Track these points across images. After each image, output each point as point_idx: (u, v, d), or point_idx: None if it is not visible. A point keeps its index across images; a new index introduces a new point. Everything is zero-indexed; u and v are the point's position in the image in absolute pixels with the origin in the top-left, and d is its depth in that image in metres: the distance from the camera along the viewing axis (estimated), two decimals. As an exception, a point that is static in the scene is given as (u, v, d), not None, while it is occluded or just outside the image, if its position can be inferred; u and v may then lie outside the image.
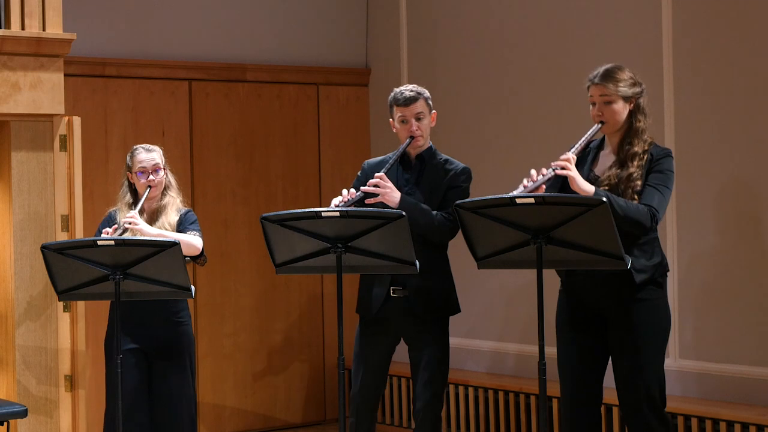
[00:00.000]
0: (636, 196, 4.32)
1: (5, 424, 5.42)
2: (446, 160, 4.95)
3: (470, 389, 6.78)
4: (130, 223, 4.98)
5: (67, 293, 4.85)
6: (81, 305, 5.69)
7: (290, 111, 7.61)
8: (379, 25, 7.80)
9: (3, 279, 5.69)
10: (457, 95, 7.25)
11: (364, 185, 4.80)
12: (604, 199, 3.94)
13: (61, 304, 5.63)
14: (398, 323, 4.92)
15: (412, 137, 4.85)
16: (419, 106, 4.86)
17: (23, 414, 5.36)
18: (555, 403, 6.20)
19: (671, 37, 6.03)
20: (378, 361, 4.97)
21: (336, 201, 4.70)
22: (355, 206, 4.63)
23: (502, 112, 6.96)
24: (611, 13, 6.37)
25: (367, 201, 4.71)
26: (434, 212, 4.80)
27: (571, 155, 4.31)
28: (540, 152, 6.69)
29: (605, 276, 4.37)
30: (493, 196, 4.06)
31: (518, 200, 3.99)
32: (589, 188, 4.26)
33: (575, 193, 4.27)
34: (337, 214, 4.35)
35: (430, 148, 4.97)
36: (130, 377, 5.09)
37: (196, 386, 6.90)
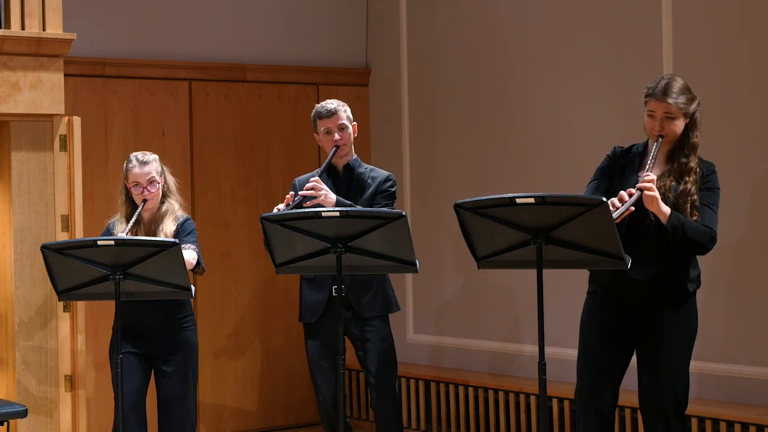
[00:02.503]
0: (696, 212, 4.40)
1: (5, 424, 5.42)
2: (371, 169, 5.31)
3: (470, 389, 6.79)
4: None
5: (67, 293, 4.85)
6: (81, 305, 5.69)
7: (290, 111, 7.60)
8: (379, 25, 7.80)
9: (3, 279, 5.69)
10: (457, 95, 7.25)
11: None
12: (604, 199, 3.95)
13: (61, 304, 5.63)
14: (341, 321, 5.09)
15: (337, 147, 5.18)
16: (341, 118, 5.23)
17: (23, 414, 5.36)
18: (555, 403, 6.20)
19: (671, 49, 6.02)
20: (333, 365, 5.19)
21: (280, 206, 4.97)
22: (294, 209, 4.93)
23: (503, 111, 6.96)
24: (613, 16, 6.36)
25: (305, 204, 4.97)
26: None
27: (653, 175, 4.35)
28: (541, 152, 6.69)
29: (653, 281, 4.44)
30: (493, 196, 4.06)
31: (518, 200, 4.00)
32: (666, 210, 4.34)
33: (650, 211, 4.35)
34: (337, 214, 4.37)
35: (355, 158, 5.32)
36: (131, 379, 5.09)
37: (197, 386, 6.91)
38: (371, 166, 5.34)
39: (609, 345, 4.54)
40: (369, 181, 5.24)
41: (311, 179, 5.04)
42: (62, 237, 5.63)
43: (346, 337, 5.27)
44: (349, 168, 5.27)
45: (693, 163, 4.45)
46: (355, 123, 5.30)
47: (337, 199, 5.02)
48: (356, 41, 7.88)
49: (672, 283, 4.45)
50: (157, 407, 5.18)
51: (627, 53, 6.24)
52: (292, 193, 5.03)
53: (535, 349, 4.19)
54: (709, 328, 5.89)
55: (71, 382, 5.68)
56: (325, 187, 5.03)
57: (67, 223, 5.67)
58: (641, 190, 4.29)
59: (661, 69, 6.04)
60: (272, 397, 7.50)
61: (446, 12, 7.32)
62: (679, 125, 4.46)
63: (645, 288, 4.47)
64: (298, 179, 5.36)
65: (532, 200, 3.99)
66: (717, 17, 5.87)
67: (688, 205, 4.40)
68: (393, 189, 5.25)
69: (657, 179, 4.46)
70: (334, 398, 5.22)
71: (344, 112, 5.23)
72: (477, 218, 4.10)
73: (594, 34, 6.44)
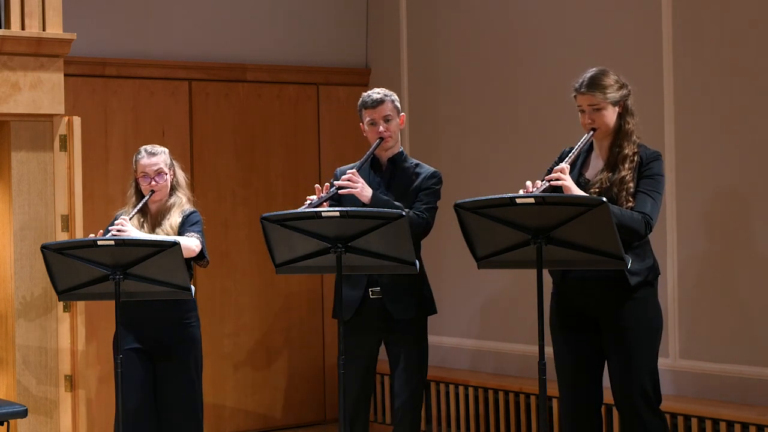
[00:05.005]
0: (630, 198, 4.35)
1: (5, 424, 5.42)
2: (417, 164, 5.06)
3: (470, 389, 6.79)
4: (118, 230, 4.95)
5: (67, 293, 4.85)
6: (81, 305, 5.69)
7: (290, 111, 7.61)
8: (379, 25, 7.81)
9: (3, 279, 5.69)
10: (457, 95, 7.25)
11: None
12: (604, 199, 3.94)
13: (61, 304, 5.63)
14: (376, 325, 4.96)
15: (381, 139, 4.97)
16: (387, 109, 4.98)
17: (23, 414, 5.36)
18: (555, 403, 6.19)
19: (671, 42, 6.03)
20: (363, 365, 5.01)
21: (312, 197, 4.78)
22: (329, 201, 4.79)
23: (503, 112, 6.96)
24: (612, 15, 6.37)
25: (340, 192, 4.81)
26: (406, 210, 4.83)
27: (565, 165, 4.33)
28: (541, 152, 6.69)
29: (598, 280, 4.40)
30: (493, 196, 4.06)
31: (518, 200, 4.00)
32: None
33: None
34: (337, 214, 4.36)
35: (401, 152, 5.08)
36: (134, 376, 5.08)
37: (201, 383, 6.90)
38: (417, 161, 5.09)
39: (575, 348, 4.51)
40: (413, 177, 5.00)
41: (348, 171, 4.86)
42: (62, 237, 5.63)
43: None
44: (393, 162, 5.04)
45: (627, 150, 4.41)
46: (402, 114, 5.07)
47: (373, 193, 4.84)
48: (356, 41, 7.88)
49: (611, 277, 4.37)
50: (162, 403, 5.17)
51: (627, 51, 6.23)
52: (327, 184, 4.84)
53: (535, 348, 4.19)
54: (708, 327, 5.89)
55: (71, 382, 5.68)
56: (361, 180, 4.84)
57: (67, 223, 5.67)
58: (548, 181, 4.27)
59: (661, 68, 6.04)
60: (272, 397, 7.50)
61: (446, 12, 7.32)
62: (609, 115, 4.44)
63: (586, 284, 4.44)
64: (339, 169, 5.14)
65: (532, 200, 3.99)
66: (716, 19, 5.87)
67: (624, 192, 4.35)
68: (437, 187, 4.99)
69: (597, 173, 4.45)
70: (356, 402, 5.02)
71: (391, 102, 4.99)
72: (477, 218, 4.09)
73: (595, 33, 6.44)
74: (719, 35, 5.85)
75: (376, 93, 5.01)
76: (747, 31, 5.74)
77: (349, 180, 4.81)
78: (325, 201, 4.77)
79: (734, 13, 5.79)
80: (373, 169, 5.05)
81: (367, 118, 5.00)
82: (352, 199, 4.86)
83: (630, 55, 6.20)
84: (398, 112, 5.03)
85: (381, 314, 4.94)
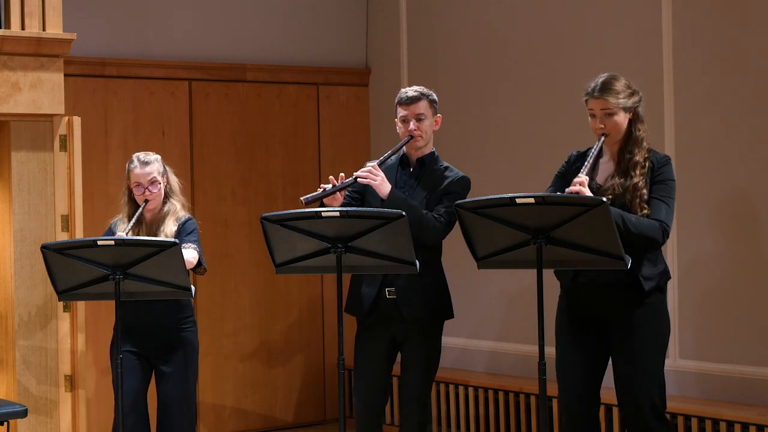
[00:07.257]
0: (645, 205, 4.35)
1: (5, 424, 5.42)
2: (447, 167, 4.97)
3: (470, 389, 6.78)
4: None
5: (67, 293, 4.85)
6: (81, 305, 5.69)
7: (290, 111, 7.60)
8: (379, 25, 7.81)
9: (3, 279, 5.69)
10: (457, 95, 7.25)
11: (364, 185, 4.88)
12: (604, 199, 3.95)
13: (61, 304, 5.63)
14: (390, 325, 4.92)
15: (410, 137, 4.89)
16: (421, 107, 4.91)
17: (23, 414, 5.36)
18: (555, 403, 6.19)
19: (671, 44, 6.02)
20: (377, 367, 4.96)
21: (326, 186, 4.74)
22: (347, 191, 4.74)
23: (503, 112, 6.96)
24: (612, 16, 6.37)
25: (360, 181, 4.75)
26: (424, 211, 4.80)
27: (584, 177, 4.30)
28: (540, 152, 6.69)
29: (611, 283, 4.40)
30: (493, 196, 4.06)
31: (518, 200, 4.00)
32: None
33: None
34: (337, 214, 4.36)
35: (432, 153, 5.00)
36: (131, 379, 5.08)
37: (197, 387, 6.91)
38: (447, 164, 4.99)
39: (581, 350, 4.50)
40: (441, 179, 4.90)
41: (369, 164, 4.80)
42: (62, 237, 5.63)
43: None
44: (422, 162, 4.95)
45: (639, 157, 4.42)
46: (439, 115, 4.98)
47: (391, 189, 4.77)
48: (356, 41, 7.88)
49: (625, 282, 4.37)
50: (157, 408, 5.18)
51: (628, 52, 6.23)
52: (342, 174, 4.79)
53: (535, 348, 4.19)
54: (708, 327, 5.89)
55: (71, 382, 5.68)
56: (382, 174, 4.77)
57: (67, 223, 5.67)
58: (570, 194, 4.23)
59: (662, 69, 6.04)
60: (272, 397, 7.50)
61: (446, 12, 7.32)
62: (621, 120, 4.44)
63: (597, 288, 4.43)
64: (370, 162, 5.02)
65: (532, 200, 3.99)
66: (717, 20, 5.87)
67: (637, 199, 4.35)
68: (464, 192, 4.88)
69: (607, 179, 4.45)
70: (368, 404, 4.94)
71: (427, 101, 4.92)
72: (477, 218, 4.09)
73: (594, 34, 6.44)
74: (719, 36, 5.84)
75: (413, 90, 4.94)
76: (747, 32, 5.74)
77: (369, 172, 4.76)
78: (339, 190, 4.72)
79: (734, 13, 5.79)
80: (401, 167, 4.99)
81: (400, 114, 4.93)
82: (376, 193, 4.80)
83: (630, 56, 6.20)
84: (434, 112, 4.96)
85: (395, 314, 4.89)
